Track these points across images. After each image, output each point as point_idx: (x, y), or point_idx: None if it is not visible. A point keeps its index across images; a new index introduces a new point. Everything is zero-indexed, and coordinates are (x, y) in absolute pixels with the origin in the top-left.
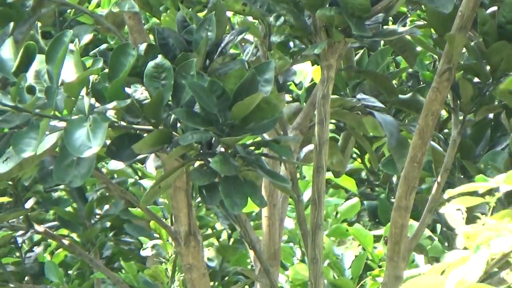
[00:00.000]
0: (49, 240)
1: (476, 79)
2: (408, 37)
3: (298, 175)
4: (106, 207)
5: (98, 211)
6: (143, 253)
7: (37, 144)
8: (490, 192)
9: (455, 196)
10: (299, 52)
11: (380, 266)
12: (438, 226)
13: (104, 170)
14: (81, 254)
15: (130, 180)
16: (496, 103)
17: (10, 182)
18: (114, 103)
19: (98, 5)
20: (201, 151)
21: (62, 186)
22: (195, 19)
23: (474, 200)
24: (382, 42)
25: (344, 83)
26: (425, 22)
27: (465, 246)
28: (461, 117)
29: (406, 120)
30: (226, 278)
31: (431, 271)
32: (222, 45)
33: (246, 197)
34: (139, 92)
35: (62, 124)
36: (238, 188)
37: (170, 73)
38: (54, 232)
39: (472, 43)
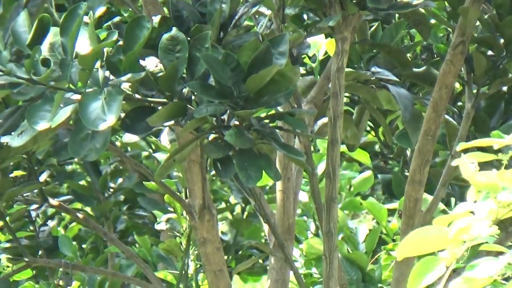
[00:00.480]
0: (63, 214)
1: (490, 52)
2: (422, 10)
3: (312, 148)
4: (120, 180)
5: (112, 184)
6: (157, 227)
7: (52, 117)
8: (504, 150)
9: (468, 150)
10: (313, 24)
11: (394, 240)
12: (452, 200)
13: (118, 143)
14: (95, 228)
15: (144, 153)
16: (510, 75)
17: (24, 156)
18: (128, 75)
19: None
20: (216, 124)
21: (76, 160)
22: None
23: (487, 156)
24: (396, 15)
25: (358, 56)
26: None
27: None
28: (474, 90)
29: (420, 94)
30: (240, 252)
31: (436, 222)
32: (236, 17)
33: (261, 170)
34: (154, 65)
35: (77, 96)
36: (252, 161)
37: (184, 45)
38: (68, 206)
39: (486, 16)
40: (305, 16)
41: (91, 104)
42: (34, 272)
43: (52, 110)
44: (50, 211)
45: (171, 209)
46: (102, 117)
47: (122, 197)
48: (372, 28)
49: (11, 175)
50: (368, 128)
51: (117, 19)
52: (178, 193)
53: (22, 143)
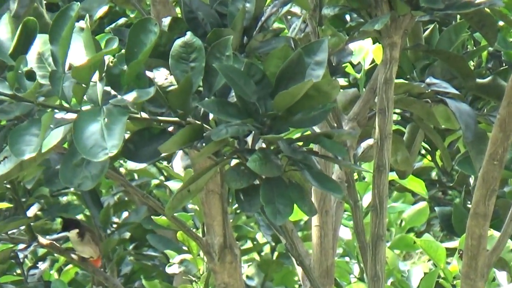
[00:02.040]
0: (56, 255)
1: None
2: (488, 10)
3: (355, 176)
4: (125, 214)
5: (115, 219)
6: (169, 269)
7: (39, 143)
8: None
9: None
10: (357, 27)
11: (454, 286)
12: None
13: (122, 169)
14: (94, 272)
15: (154, 182)
16: None
17: (8, 186)
18: (133, 94)
19: None
20: (238, 147)
21: (72, 190)
22: None
23: None
24: (456, 15)
25: (411, 64)
26: None
27: None
28: None
29: (485, 109)
30: None
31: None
32: (263, 19)
33: (292, 203)
34: (163, 77)
35: (71, 116)
36: (282, 193)
37: (200, 53)
38: (62, 245)
39: None
40: (347, 17)
41: (88, 127)
42: None
43: (40, 134)
44: (41, 251)
45: (186, 249)
46: (101, 144)
47: (127, 234)
48: (427, 32)
49: None
50: (423, 151)
51: (121, 21)
52: (194, 230)
53: (5, 171)
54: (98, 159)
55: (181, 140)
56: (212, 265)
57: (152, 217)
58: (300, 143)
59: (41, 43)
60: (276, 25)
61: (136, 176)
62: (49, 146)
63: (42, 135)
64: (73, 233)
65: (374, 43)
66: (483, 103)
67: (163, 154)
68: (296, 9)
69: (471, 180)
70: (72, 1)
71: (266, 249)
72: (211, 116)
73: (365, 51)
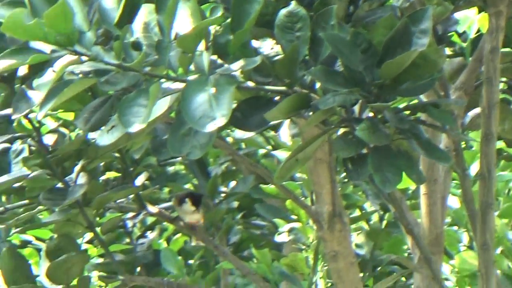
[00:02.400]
0: (165, 224)
1: None
2: None
3: (463, 145)
4: (233, 183)
5: (223, 188)
6: (278, 238)
7: (148, 114)
8: None
9: None
10: None
11: None
12: None
13: (229, 139)
14: (204, 240)
15: (262, 151)
16: None
17: (117, 154)
18: (240, 63)
19: None
20: (345, 116)
21: (179, 159)
22: None
23: None
24: None
25: None
26: None
27: None
28: None
29: None
30: (379, 269)
31: None
32: None
33: (400, 172)
34: (269, 47)
35: (178, 85)
36: (390, 161)
37: (306, 23)
38: (171, 214)
39: None
40: None
41: (196, 97)
42: None
43: (147, 104)
44: (150, 220)
45: (295, 217)
46: (209, 114)
47: (235, 204)
48: None
49: (102, 177)
50: None
51: None
52: (303, 198)
53: (112, 141)
54: (206, 129)
55: (287, 109)
56: (322, 234)
57: (260, 186)
58: (407, 112)
59: (146, 12)
60: None
61: (243, 146)
62: (156, 116)
63: (151, 106)
64: (188, 202)
65: (479, 12)
66: None
67: (270, 123)
68: None
69: None
70: None
71: (375, 218)
72: (317, 85)
73: (470, 21)
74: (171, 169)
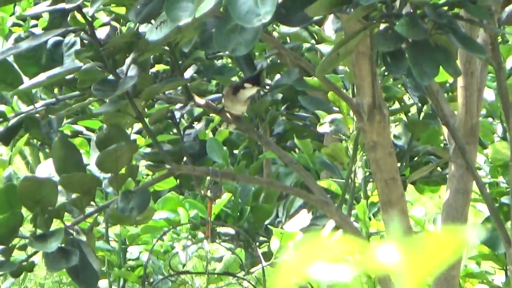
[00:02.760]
0: (211, 115)
1: None
2: None
3: (499, 39)
4: (278, 76)
5: (268, 81)
6: (320, 129)
7: (194, 8)
8: None
9: None
10: None
11: None
12: None
13: (275, 33)
14: (248, 131)
15: (306, 45)
16: None
17: (166, 48)
18: None
19: None
20: (386, 12)
21: (226, 53)
22: None
23: None
24: None
25: None
26: None
27: None
28: None
29: None
30: (416, 159)
31: None
32: None
33: (438, 65)
34: None
35: None
36: (428, 55)
37: None
38: (218, 105)
39: None
40: None
41: None
42: (178, 181)
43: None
44: (197, 111)
45: (336, 109)
46: (255, 10)
47: (280, 96)
48: None
49: (152, 70)
50: None
51: None
52: (344, 91)
53: (162, 36)
54: (252, 25)
55: (328, 4)
56: (362, 125)
57: (304, 78)
58: (445, 8)
59: None
60: None
61: (288, 40)
62: (204, 11)
63: (198, 1)
64: (250, 88)
65: None
66: None
67: (314, 18)
68: None
69: None
70: None
71: (413, 110)
72: None
73: None
74: (218, 62)
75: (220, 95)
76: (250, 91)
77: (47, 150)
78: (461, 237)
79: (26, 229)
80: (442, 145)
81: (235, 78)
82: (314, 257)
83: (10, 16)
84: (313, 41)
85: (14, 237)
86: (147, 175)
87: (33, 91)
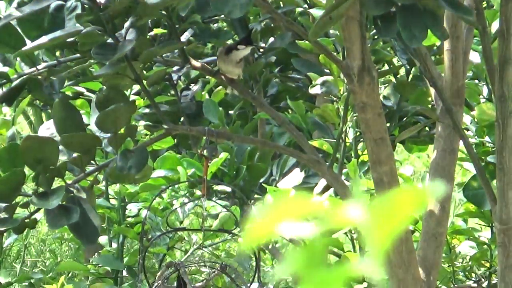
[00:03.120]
0: (207, 77)
1: None
2: None
3: (484, 4)
4: (271, 39)
5: (262, 44)
6: (312, 90)
7: None
8: None
9: None
10: None
11: None
12: None
13: None
14: (243, 92)
15: (298, 9)
16: None
17: (164, 12)
18: None
19: None
20: None
21: (222, 16)
22: None
23: None
24: None
25: None
26: None
27: None
28: None
29: None
30: (404, 119)
31: None
32: None
33: (426, 29)
34: None
35: None
36: (417, 19)
37: None
38: (213, 68)
39: None
40: None
41: None
42: (175, 140)
43: None
44: (193, 73)
45: (327, 71)
46: None
47: (273, 58)
48: None
49: (150, 34)
50: None
51: None
52: (336, 53)
53: (159, 1)
54: None
55: None
56: (352, 86)
57: (296, 41)
58: None
59: None
60: None
61: (281, 4)
62: None
63: None
64: (243, 49)
65: None
66: None
67: None
68: None
69: None
70: None
71: (402, 71)
72: None
73: None
74: (214, 26)
75: (215, 57)
76: (243, 52)
77: (49, 111)
78: (422, 195)
79: (29, 187)
80: (429, 105)
81: (230, 41)
82: (283, 215)
83: None
84: (305, 6)
85: (17, 195)
86: (146, 134)
87: (35, 53)
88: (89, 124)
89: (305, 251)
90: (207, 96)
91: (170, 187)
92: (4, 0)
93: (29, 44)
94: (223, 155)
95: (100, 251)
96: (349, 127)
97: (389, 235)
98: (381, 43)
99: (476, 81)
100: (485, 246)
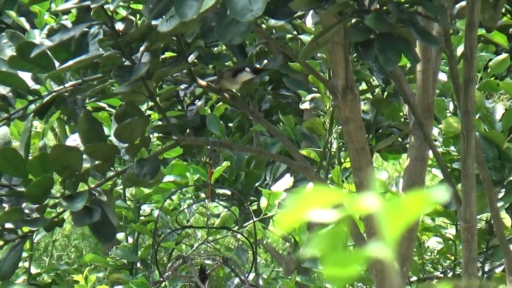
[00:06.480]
0: (210, 94)
1: None
2: None
3: (451, 31)
4: (265, 61)
5: (257, 65)
6: (302, 106)
7: (199, 6)
8: None
9: None
10: None
11: None
12: None
13: (263, 26)
14: (241, 107)
15: (289, 35)
16: None
17: (173, 38)
18: None
19: None
20: (357, 8)
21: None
22: None
23: None
24: None
25: None
26: None
27: None
28: None
29: None
30: (381, 131)
31: None
32: None
33: (400, 53)
34: None
35: None
36: (392, 44)
37: None
38: (216, 86)
39: None
40: None
41: None
42: (182, 149)
43: None
44: (198, 90)
45: (315, 89)
46: (249, 7)
47: (267, 78)
48: None
49: (161, 56)
50: (503, 11)
51: None
52: (322, 74)
53: (170, 28)
54: (246, 19)
55: (309, 0)
56: (336, 102)
57: (287, 63)
58: (407, 5)
59: None
60: None
61: (274, 31)
62: (206, 8)
63: (201, 0)
64: (248, 74)
65: None
66: None
67: (297, 13)
68: None
69: None
70: None
71: (378, 90)
72: None
73: None
74: (216, 49)
75: (215, 76)
76: (247, 75)
77: (72, 124)
78: (429, 198)
79: (56, 190)
80: (403, 119)
81: (229, 63)
82: (310, 204)
83: (46, 11)
84: (295, 32)
85: (47, 197)
86: (158, 144)
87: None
88: (110, 135)
89: (327, 235)
90: (209, 111)
91: (178, 190)
92: (38, 27)
93: (59, 66)
94: (225, 163)
95: (117, 245)
96: (334, 138)
97: (399, 227)
98: (360, 64)
99: (444, 97)
100: (450, 242)
